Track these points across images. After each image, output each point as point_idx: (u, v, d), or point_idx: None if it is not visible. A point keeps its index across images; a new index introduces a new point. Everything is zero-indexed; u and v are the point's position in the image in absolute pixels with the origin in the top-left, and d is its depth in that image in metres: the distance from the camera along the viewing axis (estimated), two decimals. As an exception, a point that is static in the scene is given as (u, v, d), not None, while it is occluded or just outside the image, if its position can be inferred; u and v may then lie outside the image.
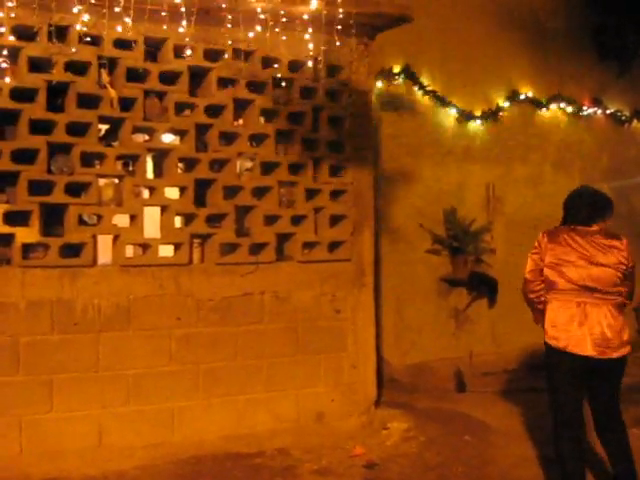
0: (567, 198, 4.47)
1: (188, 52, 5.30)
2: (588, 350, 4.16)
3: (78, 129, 5.04)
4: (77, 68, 5.01)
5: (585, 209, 4.32)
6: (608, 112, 9.38)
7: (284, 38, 5.41)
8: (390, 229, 7.50)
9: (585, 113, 9.15)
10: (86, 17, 4.84)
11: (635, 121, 9.66)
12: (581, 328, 4.19)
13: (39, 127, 4.94)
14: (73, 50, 4.94)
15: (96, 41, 5.06)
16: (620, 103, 9.51)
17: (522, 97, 8.55)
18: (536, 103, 8.69)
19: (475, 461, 5.21)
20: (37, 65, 4.96)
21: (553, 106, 8.84)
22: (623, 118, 9.52)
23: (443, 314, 7.95)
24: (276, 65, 5.65)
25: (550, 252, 4.29)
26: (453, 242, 7.73)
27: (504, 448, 5.49)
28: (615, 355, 4.21)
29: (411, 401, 6.69)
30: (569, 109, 8.99)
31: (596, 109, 9.25)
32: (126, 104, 5.17)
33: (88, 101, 5.05)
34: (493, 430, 5.91)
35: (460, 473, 4.99)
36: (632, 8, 8.76)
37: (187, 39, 5.19)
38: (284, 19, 5.32)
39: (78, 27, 4.88)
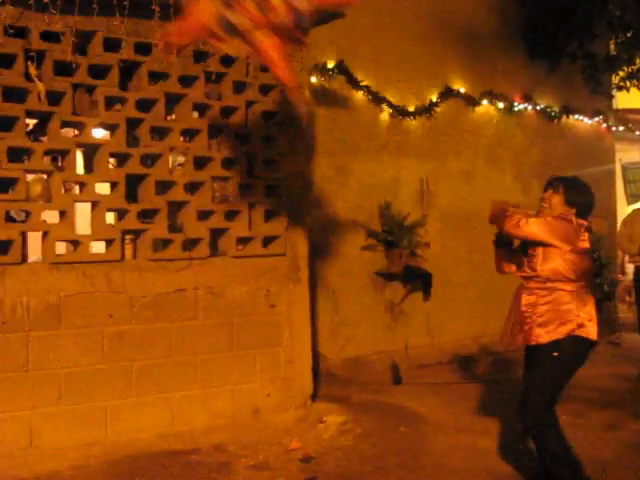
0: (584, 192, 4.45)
1: (118, 45, 5.23)
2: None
3: (4, 123, 4.91)
4: (3, 60, 4.88)
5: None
6: (538, 108, 9.61)
7: (216, 32, 5.38)
8: (325, 224, 7.53)
9: (516, 109, 9.36)
10: (12, 8, 4.75)
11: (564, 117, 9.92)
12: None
13: (-37, 121, 4.81)
14: (-2, 42, 4.83)
15: (22, 33, 4.93)
16: (550, 99, 9.76)
17: (455, 93, 8.69)
18: (468, 99, 8.85)
19: (410, 452, 5.27)
20: (-40, 57, 4.84)
21: (485, 102, 9.01)
22: (553, 114, 9.77)
23: (379, 308, 8.02)
24: (208, 59, 5.60)
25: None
26: (388, 236, 7.80)
27: (438, 438, 5.57)
28: None
29: (347, 394, 6.74)
30: (501, 105, 9.18)
31: (527, 105, 9.48)
32: (54, 98, 5.06)
33: (15, 94, 4.93)
34: (428, 421, 5.99)
35: (395, 464, 5.03)
36: (562, 8, 8.99)
37: (117, 32, 5.14)
38: (216, 13, 5.29)
39: (3, 18, 4.78)
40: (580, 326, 4.22)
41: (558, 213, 4.30)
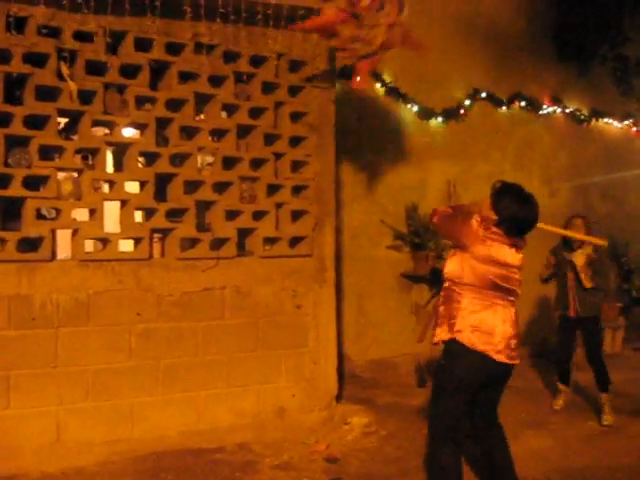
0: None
1: (149, 45, 5.27)
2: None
3: (36, 122, 4.97)
4: (36, 60, 4.94)
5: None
6: (567, 111, 9.52)
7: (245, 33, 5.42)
8: (351, 225, 7.54)
9: (545, 112, 9.28)
10: (45, 8, 4.81)
11: (593, 120, 9.81)
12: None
13: (-4, 119, 4.87)
14: (32, 41, 4.87)
15: (55, 33, 4.99)
16: (579, 102, 9.66)
17: (483, 95, 8.64)
18: (497, 101, 8.79)
19: (434, 455, 5.25)
20: (-5, 56, 4.89)
21: (513, 105, 8.94)
22: (582, 117, 9.67)
23: (404, 310, 8.00)
24: (238, 60, 5.62)
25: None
26: (414, 238, 7.78)
27: (463, 442, 5.55)
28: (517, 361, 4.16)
29: (372, 396, 6.74)
30: (529, 108, 9.10)
31: (556, 108, 9.39)
32: (86, 97, 5.11)
33: (47, 93, 4.99)
34: (452, 424, 5.96)
35: (419, 466, 5.01)
36: (593, 9, 8.91)
37: (148, 32, 5.18)
38: (246, 13, 5.32)
39: (37, 18, 4.84)
40: (459, 331, 4.03)
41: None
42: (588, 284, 6.28)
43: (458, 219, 4.20)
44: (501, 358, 4.03)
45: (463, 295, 4.07)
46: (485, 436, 4.32)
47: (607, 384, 6.31)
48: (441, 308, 4.20)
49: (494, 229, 4.03)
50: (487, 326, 4.02)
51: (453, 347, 4.07)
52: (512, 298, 4.13)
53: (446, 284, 4.21)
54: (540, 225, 4.29)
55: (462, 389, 4.07)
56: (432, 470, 4.28)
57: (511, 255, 4.07)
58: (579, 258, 6.30)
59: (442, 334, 4.14)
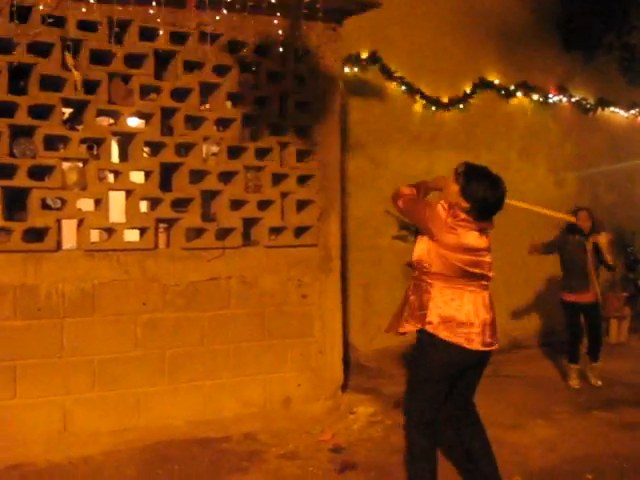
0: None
1: (154, 34, 5.25)
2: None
3: (41, 112, 4.96)
4: (40, 49, 4.93)
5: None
6: (573, 100, 9.49)
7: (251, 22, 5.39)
8: (357, 215, 7.53)
9: (551, 101, 9.25)
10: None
11: (599, 109, 9.77)
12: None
13: (0, 110, 4.85)
14: (36, 31, 4.86)
15: (60, 22, 4.97)
16: (585, 91, 9.62)
17: (489, 85, 8.61)
18: (503, 91, 8.76)
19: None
20: (-1, 46, 4.88)
21: (519, 94, 8.92)
22: (588, 106, 9.64)
23: (410, 300, 7.98)
24: (243, 49, 5.60)
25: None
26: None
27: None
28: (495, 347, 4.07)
29: (378, 386, 6.74)
30: (535, 97, 9.07)
31: (562, 97, 9.36)
32: (90, 87, 5.10)
33: (51, 83, 4.98)
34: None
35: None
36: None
37: (153, 21, 5.16)
38: (251, 3, 5.29)
39: (41, 8, 4.82)
40: (430, 323, 3.91)
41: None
42: (612, 261, 6.73)
43: (423, 204, 4.08)
44: (475, 346, 3.94)
45: (433, 285, 3.95)
46: (462, 424, 4.25)
47: (599, 355, 6.97)
48: (412, 298, 4.07)
49: (463, 216, 3.90)
50: (458, 315, 3.92)
51: (424, 338, 3.97)
52: (485, 282, 4.03)
53: (415, 273, 4.08)
54: (508, 202, 4.17)
55: (435, 379, 4.00)
56: (409, 458, 4.19)
57: (479, 239, 3.96)
58: (603, 239, 6.64)
59: (412, 325, 4.03)
